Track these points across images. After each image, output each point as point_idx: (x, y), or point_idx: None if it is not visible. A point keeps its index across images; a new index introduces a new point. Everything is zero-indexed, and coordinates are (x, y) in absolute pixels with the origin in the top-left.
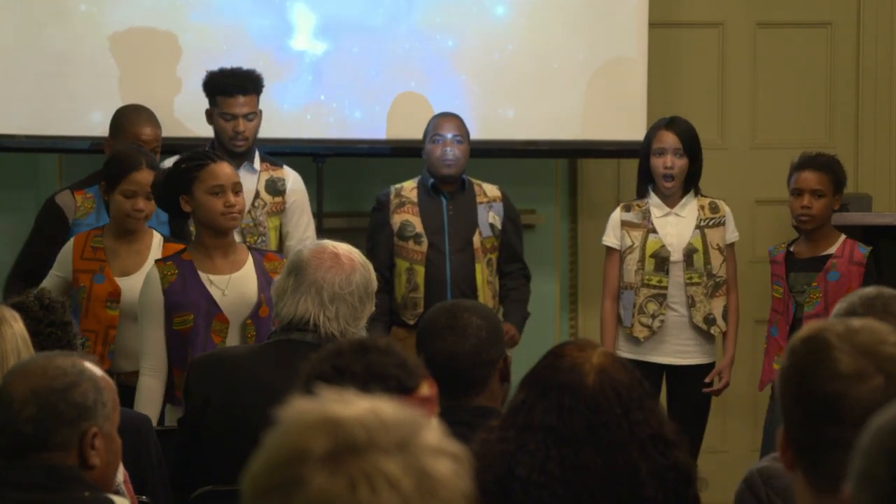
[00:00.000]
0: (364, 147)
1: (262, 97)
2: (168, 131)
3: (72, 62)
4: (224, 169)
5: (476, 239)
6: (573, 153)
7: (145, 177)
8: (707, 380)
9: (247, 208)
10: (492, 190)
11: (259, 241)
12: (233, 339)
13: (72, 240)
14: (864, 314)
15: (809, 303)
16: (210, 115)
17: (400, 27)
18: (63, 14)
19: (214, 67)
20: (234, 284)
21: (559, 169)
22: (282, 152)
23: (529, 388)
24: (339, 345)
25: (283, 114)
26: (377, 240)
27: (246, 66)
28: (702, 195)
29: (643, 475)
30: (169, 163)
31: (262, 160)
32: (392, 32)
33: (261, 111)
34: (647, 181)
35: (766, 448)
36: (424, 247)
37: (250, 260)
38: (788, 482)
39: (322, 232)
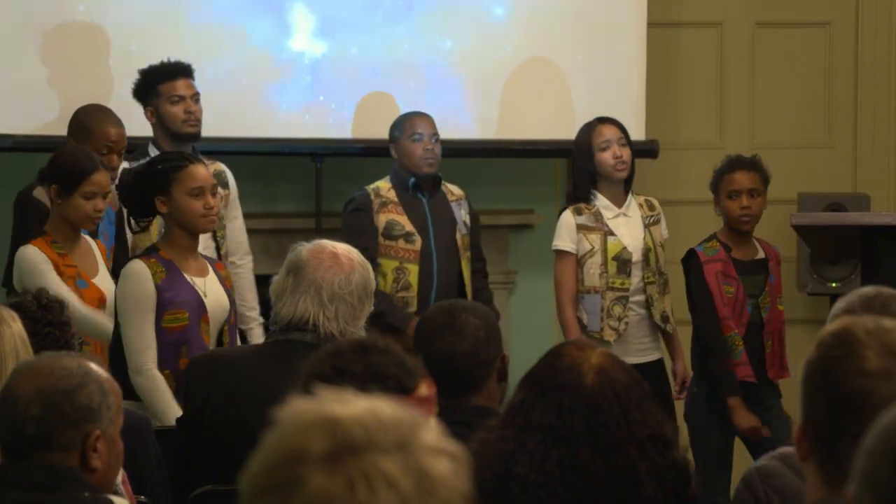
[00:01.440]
0: (363, 147)
1: (261, 97)
2: None
3: (71, 62)
4: (202, 170)
5: (458, 237)
6: (571, 153)
7: (104, 177)
8: (677, 387)
9: None
10: (456, 189)
11: (223, 234)
12: (212, 342)
13: (33, 247)
14: (863, 313)
15: (763, 307)
16: (152, 112)
17: (399, 28)
18: (63, 14)
19: (214, 67)
20: (211, 288)
21: (558, 169)
22: (281, 152)
23: (528, 388)
24: (339, 345)
25: (281, 114)
26: (363, 240)
27: (245, 66)
28: (636, 194)
29: (642, 475)
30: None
31: (199, 153)
32: (391, 33)
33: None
34: (589, 183)
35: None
36: (418, 245)
37: (209, 266)
38: (787, 481)
39: (321, 232)
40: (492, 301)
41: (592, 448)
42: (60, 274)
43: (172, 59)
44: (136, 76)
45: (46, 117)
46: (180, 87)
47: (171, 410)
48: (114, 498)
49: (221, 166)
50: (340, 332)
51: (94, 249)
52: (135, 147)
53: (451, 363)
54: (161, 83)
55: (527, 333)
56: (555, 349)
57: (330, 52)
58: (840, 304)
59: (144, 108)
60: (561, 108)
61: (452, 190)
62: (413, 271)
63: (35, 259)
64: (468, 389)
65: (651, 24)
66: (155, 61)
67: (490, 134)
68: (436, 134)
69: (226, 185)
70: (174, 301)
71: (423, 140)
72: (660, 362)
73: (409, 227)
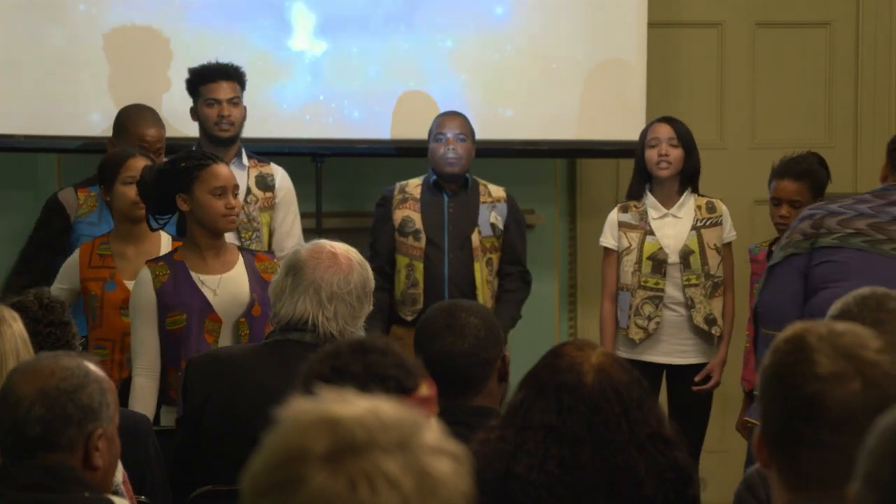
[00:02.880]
0: (363, 147)
1: (261, 97)
2: (168, 131)
3: (71, 62)
4: (225, 170)
5: (475, 237)
6: (572, 153)
7: (142, 162)
8: (697, 378)
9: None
10: (497, 191)
11: (254, 236)
12: (225, 339)
13: (77, 250)
14: (859, 313)
15: None
16: (194, 111)
17: (399, 27)
18: (63, 14)
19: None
20: (226, 284)
21: (558, 169)
22: (281, 152)
23: (528, 388)
24: (338, 345)
25: (282, 114)
26: (379, 234)
27: (246, 66)
28: (699, 195)
29: (642, 474)
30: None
31: (250, 157)
32: (391, 32)
33: (245, 107)
34: (643, 181)
35: (751, 448)
36: (423, 243)
37: (241, 260)
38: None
39: (321, 232)
40: (517, 304)
41: (592, 447)
42: (85, 279)
43: (223, 62)
44: (136, 75)
45: (48, 117)
46: (218, 89)
47: None
48: (114, 498)
49: (272, 169)
50: (340, 331)
51: (164, 248)
52: (183, 147)
53: (451, 363)
54: (202, 84)
55: (527, 333)
56: (555, 349)
57: (330, 52)
58: (837, 306)
59: (192, 106)
60: (561, 108)
61: (492, 191)
62: (419, 269)
63: (64, 266)
64: (468, 389)
65: (651, 24)
66: (156, 61)
67: (491, 134)
68: (462, 133)
69: (269, 188)
70: (174, 304)
71: (445, 140)
72: (702, 367)
73: (418, 224)
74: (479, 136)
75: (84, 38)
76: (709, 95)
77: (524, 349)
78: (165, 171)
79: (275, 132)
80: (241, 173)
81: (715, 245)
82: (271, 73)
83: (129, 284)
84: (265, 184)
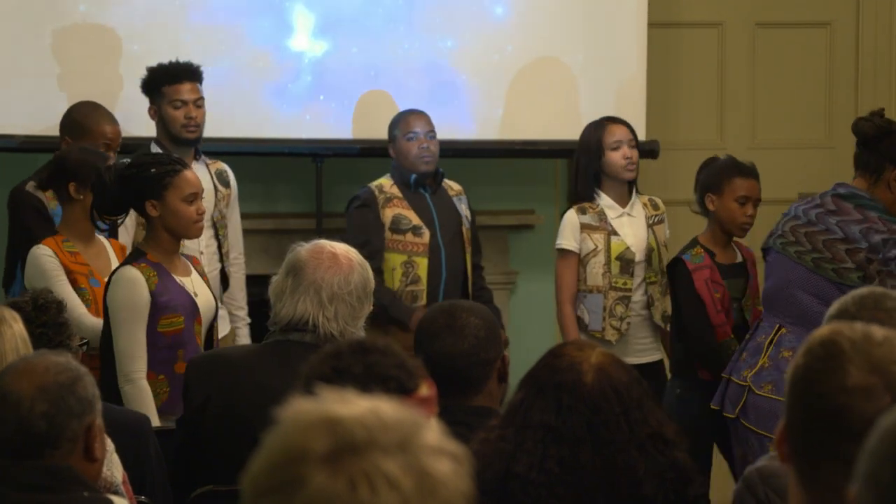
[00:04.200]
0: (363, 147)
1: (261, 97)
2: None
3: (71, 62)
4: (194, 175)
5: (463, 230)
6: (572, 153)
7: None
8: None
9: (213, 202)
10: (455, 184)
11: (224, 233)
12: (202, 342)
13: (42, 251)
14: (857, 312)
15: (747, 308)
16: (154, 111)
17: (399, 27)
18: (63, 14)
19: (214, 67)
20: (198, 287)
21: (558, 169)
22: (281, 152)
23: (528, 388)
24: (338, 346)
25: (282, 114)
26: (372, 235)
27: (245, 66)
28: (640, 193)
29: (641, 474)
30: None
31: (202, 153)
32: (391, 33)
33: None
34: (592, 182)
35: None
36: (426, 238)
37: (188, 264)
38: (787, 481)
39: (321, 232)
40: (491, 300)
41: (592, 447)
42: (71, 273)
43: (181, 60)
44: (137, 75)
45: (47, 117)
46: (183, 90)
47: (154, 422)
48: (114, 498)
49: (223, 165)
50: (340, 332)
51: (109, 249)
52: (138, 147)
53: (451, 363)
54: (165, 85)
55: (527, 334)
56: (554, 349)
57: (330, 52)
58: (836, 306)
59: (150, 106)
60: (561, 109)
61: (451, 185)
62: (422, 264)
63: (45, 265)
64: (468, 390)
65: (651, 24)
66: (156, 61)
67: (490, 134)
68: (432, 131)
69: (227, 185)
70: (169, 305)
71: (418, 138)
72: (660, 363)
73: (416, 220)
74: (478, 136)
75: (84, 38)
76: (709, 95)
77: (524, 349)
78: (131, 175)
79: (275, 132)
80: (204, 171)
81: (664, 242)
82: (271, 73)
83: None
84: (224, 180)
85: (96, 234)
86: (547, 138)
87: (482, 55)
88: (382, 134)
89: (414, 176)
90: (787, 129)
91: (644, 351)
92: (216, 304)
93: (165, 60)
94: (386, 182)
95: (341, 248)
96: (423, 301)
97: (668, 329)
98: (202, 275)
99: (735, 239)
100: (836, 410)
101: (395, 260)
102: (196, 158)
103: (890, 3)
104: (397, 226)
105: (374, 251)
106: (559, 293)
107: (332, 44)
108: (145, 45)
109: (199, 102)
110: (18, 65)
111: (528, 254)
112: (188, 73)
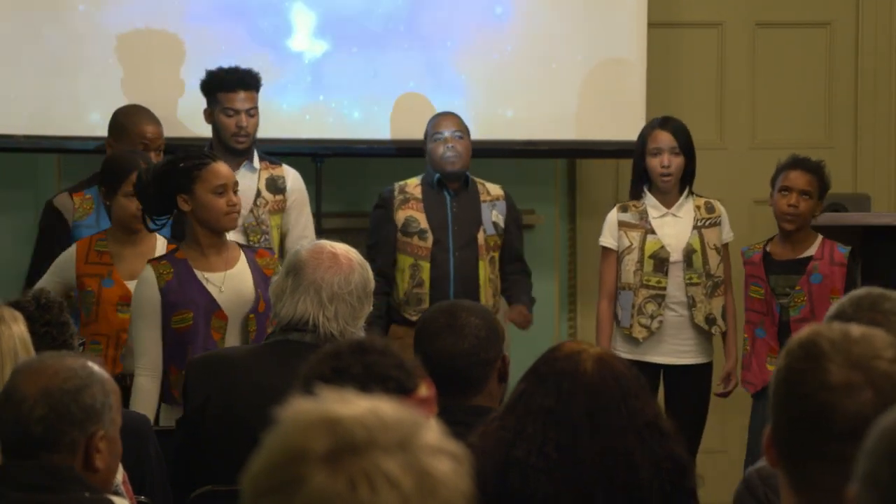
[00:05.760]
0: (363, 147)
1: (261, 97)
2: (168, 131)
3: (71, 62)
4: (224, 168)
5: (480, 236)
6: (572, 153)
7: None
8: (719, 383)
9: (249, 207)
10: (495, 189)
11: (262, 239)
12: (232, 335)
13: (74, 245)
14: (854, 314)
15: (795, 307)
16: (209, 114)
17: (399, 27)
18: (63, 14)
19: (213, 67)
20: (230, 281)
21: (558, 169)
22: (281, 152)
23: (529, 379)
24: (338, 346)
25: (282, 114)
26: (380, 236)
27: (245, 66)
28: (697, 195)
29: (638, 459)
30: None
31: (261, 159)
32: (391, 32)
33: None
34: (642, 182)
35: (751, 448)
36: (429, 242)
37: (243, 257)
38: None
39: (321, 232)
40: (531, 288)
41: (591, 432)
42: (82, 274)
43: (238, 67)
44: (137, 75)
45: (47, 117)
46: (237, 99)
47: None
48: (114, 498)
49: (284, 171)
50: (340, 332)
51: (159, 251)
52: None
53: (451, 363)
54: (220, 91)
55: (527, 333)
56: (554, 345)
57: (330, 52)
58: (833, 308)
59: (206, 107)
60: (561, 109)
61: (490, 189)
62: (425, 268)
63: (59, 259)
64: (468, 389)
65: (651, 24)
66: (156, 61)
67: (491, 134)
68: (459, 131)
69: (280, 191)
70: (180, 302)
71: (443, 139)
72: (705, 367)
73: (424, 224)
74: (478, 136)
75: (84, 38)
76: (709, 95)
77: (524, 349)
78: (164, 171)
79: (275, 132)
80: (253, 176)
81: (715, 245)
82: (271, 74)
83: (128, 283)
84: (276, 186)
85: (150, 236)
86: (547, 138)
87: (482, 55)
88: (383, 134)
89: (437, 176)
90: (787, 129)
91: (686, 352)
92: (256, 297)
93: (224, 64)
94: (412, 182)
95: (341, 248)
96: (426, 304)
97: (714, 331)
98: (265, 267)
99: (830, 239)
100: (819, 409)
101: (404, 262)
102: (248, 160)
103: (890, 3)
104: (407, 228)
105: (380, 252)
106: (599, 289)
107: (332, 44)
108: (145, 45)
109: (251, 112)
110: (18, 65)
111: (529, 254)
112: (244, 81)
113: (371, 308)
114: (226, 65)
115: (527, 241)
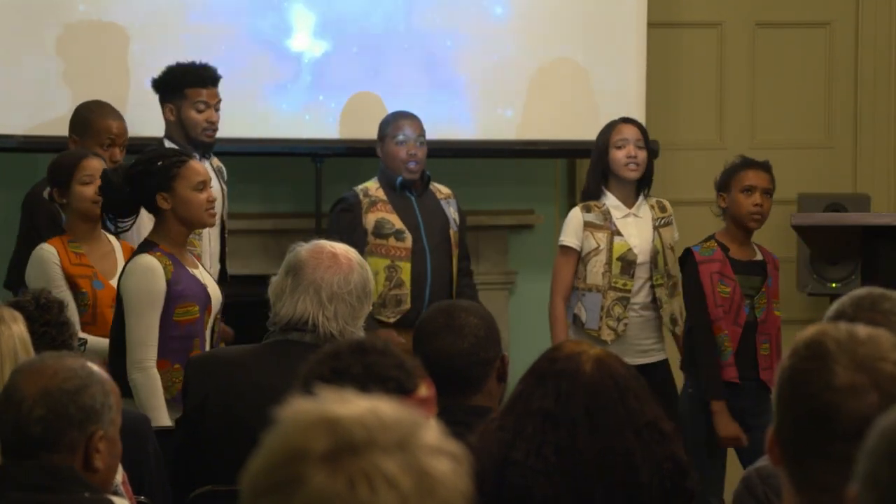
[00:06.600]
0: (363, 147)
1: (261, 97)
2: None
3: (71, 62)
4: (200, 165)
5: (451, 234)
6: (572, 153)
7: (97, 162)
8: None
9: (221, 202)
10: (444, 188)
11: (227, 233)
12: (207, 332)
13: (49, 246)
14: (854, 314)
15: (758, 307)
16: (173, 110)
17: (399, 27)
18: (63, 14)
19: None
20: (206, 279)
21: (558, 169)
22: (281, 152)
23: (528, 380)
24: (338, 346)
25: (282, 114)
26: (349, 241)
27: (245, 66)
28: (648, 196)
29: (638, 460)
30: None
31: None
32: (391, 33)
33: None
34: (600, 181)
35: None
36: (409, 242)
37: (193, 257)
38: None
39: (320, 232)
40: (476, 298)
41: (590, 432)
42: (73, 275)
43: (201, 63)
44: (137, 75)
45: (47, 117)
46: (207, 94)
47: (164, 411)
48: (114, 498)
49: (219, 162)
50: (340, 331)
51: (118, 251)
52: (146, 147)
53: (450, 363)
54: (189, 87)
55: (527, 334)
56: (553, 346)
57: (330, 52)
58: (833, 307)
59: (163, 104)
60: (561, 109)
61: (440, 189)
62: (405, 269)
63: (48, 272)
64: (467, 389)
65: (651, 24)
66: (156, 61)
67: (490, 134)
68: (421, 136)
69: (225, 182)
70: (185, 294)
71: (407, 143)
72: (664, 363)
73: (399, 224)
74: (478, 136)
75: (84, 38)
76: (709, 95)
77: (524, 349)
78: (140, 171)
79: (275, 132)
80: (212, 171)
81: (671, 244)
82: (271, 74)
83: (111, 282)
84: (223, 177)
85: (105, 235)
86: (546, 138)
87: (482, 55)
88: None
89: (400, 179)
90: (787, 129)
91: (647, 352)
92: (221, 297)
93: (176, 61)
94: (372, 185)
95: (341, 248)
96: (407, 305)
97: (677, 331)
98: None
99: (758, 244)
100: (824, 410)
101: (377, 264)
102: (203, 157)
103: (890, 3)
104: (380, 230)
105: None
106: (553, 287)
107: (332, 44)
108: (145, 44)
109: (218, 106)
110: (18, 64)
111: (528, 254)
112: (214, 77)
113: (370, 308)
114: (227, 65)
115: (526, 242)
